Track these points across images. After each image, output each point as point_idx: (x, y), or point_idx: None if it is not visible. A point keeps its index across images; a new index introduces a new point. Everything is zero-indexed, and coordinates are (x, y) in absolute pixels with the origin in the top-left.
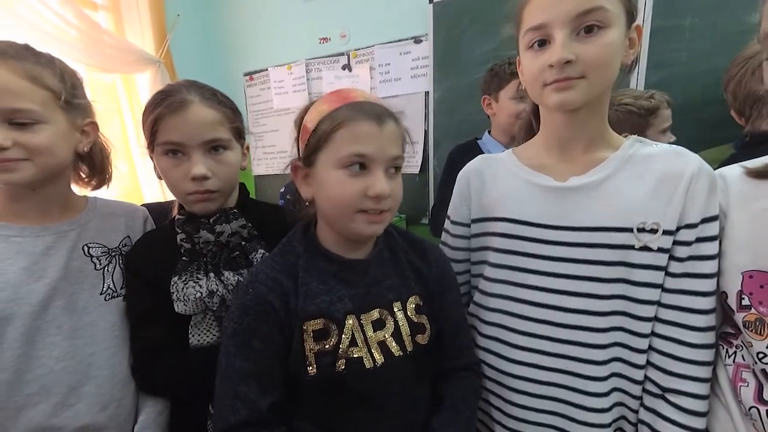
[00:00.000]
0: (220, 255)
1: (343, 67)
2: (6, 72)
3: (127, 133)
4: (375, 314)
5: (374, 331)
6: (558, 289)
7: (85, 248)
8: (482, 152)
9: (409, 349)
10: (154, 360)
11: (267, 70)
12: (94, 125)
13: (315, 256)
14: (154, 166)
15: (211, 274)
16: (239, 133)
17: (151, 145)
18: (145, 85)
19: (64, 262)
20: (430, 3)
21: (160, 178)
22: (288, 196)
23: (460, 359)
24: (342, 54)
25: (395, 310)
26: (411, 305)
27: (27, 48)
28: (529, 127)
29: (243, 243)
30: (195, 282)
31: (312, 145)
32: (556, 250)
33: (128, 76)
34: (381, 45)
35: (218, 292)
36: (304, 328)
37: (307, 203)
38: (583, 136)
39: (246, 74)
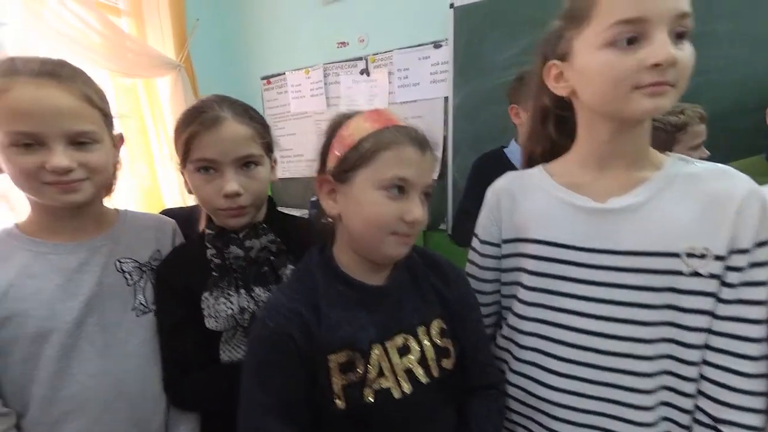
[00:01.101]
0: (250, 270)
1: (362, 72)
2: (65, 94)
3: (149, 135)
4: (399, 340)
5: (400, 357)
6: (600, 315)
7: (117, 264)
8: (509, 161)
9: (436, 374)
10: (184, 374)
11: (284, 74)
12: (122, 137)
13: (334, 281)
14: (185, 181)
15: (242, 291)
16: (269, 148)
17: (184, 161)
18: (166, 89)
19: (98, 278)
20: (450, 7)
21: (190, 192)
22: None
23: (483, 378)
24: (360, 58)
25: (420, 334)
26: (435, 329)
27: (70, 66)
28: (547, 142)
29: (272, 258)
30: (226, 298)
31: (350, 161)
32: (595, 274)
33: (149, 80)
34: (400, 50)
35: (249, 309)
36: (330, 361)
37: (329, 219)
38: (627, 153)
39: (263, 78)
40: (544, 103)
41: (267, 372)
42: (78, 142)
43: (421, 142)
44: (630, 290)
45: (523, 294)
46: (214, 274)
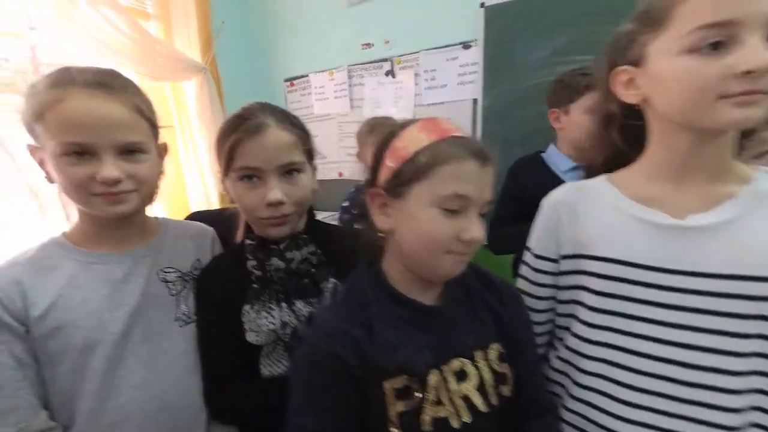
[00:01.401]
0: (290, 283)
1: (387, 73)
2: (117, 105)
3: (175, 138)
4: (456, 364)
5: (457, 383)
6: (678, 342)
7: (160, 273)
8: (547, 167)
9: (495, 402)
10: (224, 387)
11: (308, 76)
12: (166, 147)
13: (385, 299)
14: (226, 190)
15: (283, 304)
16: (310, 155)
17: (227, 170)
18: (192, 91)
19: (142, 288)
20: (481, 7)
21: (232, 202)
22: (353, 211)
23: (538, 403)
24: (385, 60)
25: (477, 359)
26: (493, 353)
27: (122, 76)
28: (610, 151)
29: (312, 270)
30: (268, 312)
31: (405, 175)
32: (672, 297)
33: (176, 83)
34: (426, 51)
35: (291, 323)
36: (385, 387)
37: (379, 234)
38: (709, 166)
39: (287, 80)
40: (610, 110)
41: (316, 395)
42: (127, 152)
43: (481, 154)
44: (714, 316)
45: (585, 315)
46: (254, 286)
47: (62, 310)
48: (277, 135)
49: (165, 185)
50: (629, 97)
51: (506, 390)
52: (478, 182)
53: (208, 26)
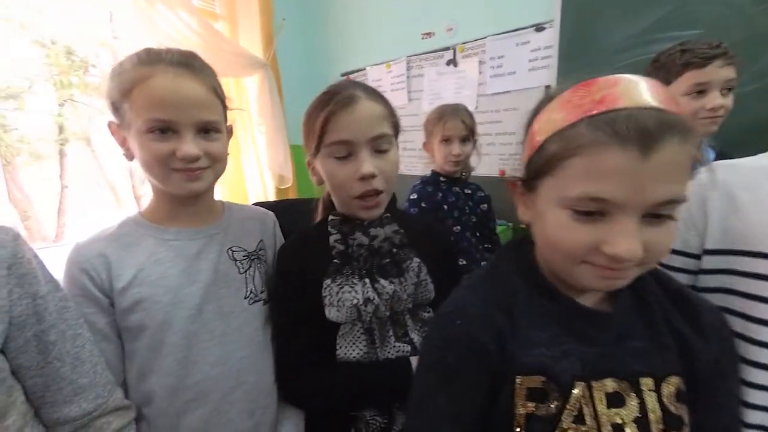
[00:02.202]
0: (372, 261)
1: (448, 63)
2: (198, 85)
3: (237, 132)
4: (611, 386)
5: (608, 407)
6: None
7: (230, 252)
8: None
9: None
10: (299, 370)
11: (365, 69)
12: (231, 129)
13: (535, 292)
14: (313, 172)
15: (366, 280)
16: (396, 130)
17: (317, 148)
18: (253, 87)
19: (214, 265)
20: None
21: (320, 183)
22: (423, 204)
23: None
24: (447, 48)
25: (643, 388)
26: (669, 388)
27: (200, 59)
28: None
29: (394, 250)
30: (351, 287)
31: (535, 166)
32: None
33: (239, 79)
34: (494, 36)
35: (373, 301)
36: (518, 382)
37: (523, 226)
38: None
39: (343, 74)
40: None
41: (449, 374)
42: (204, 130)
43: (648, 134)
44: None
45: (742, 326)
46: (335, 261)
47: (143, 284)
48: (368, 106)
49: (225, 177)
50: None
51: None
52: (632, 180)
53: (270, 23)
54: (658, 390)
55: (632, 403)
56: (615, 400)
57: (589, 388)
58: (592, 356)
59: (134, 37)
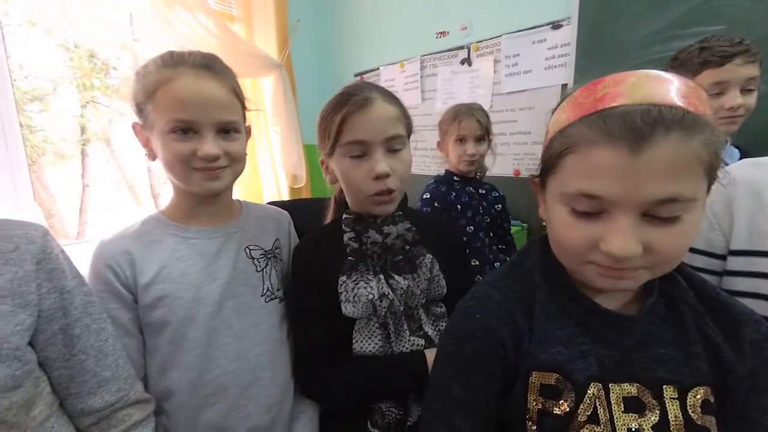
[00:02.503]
0: (385, 258)
1: (462, 62)
2: (219, 86)
3: (252, 132)
4: (630, 389)
5: (625, 411)
6: None
7: (247, 250)
8: None
9: None
10: (315, 363)
11: (378, 69)
12: (249, 129)
13: (556, 291)
14: (327, 171)
15: (381, 276)
16: (409, 131)
17: (332, 148)
18: (268, 87)
19: (232, 263)
20: None
21: (333, 182)
22: (436, 204)
23: None
24: (461, 48)
25: (666, 396)
26: (696, 398)
27: (221, 61)
28: None
29: (406, 247)
30: (366, 283)
31: (544, 163)
32: None
33: (254, 79)
34: (509, 35)
35: (388, 296)
36: (532, 378)
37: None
38: None
39: (356, 75)
40: None
41: (467, 365)
42: (224, 131)
43: (633, 133)
44: None
45: None
46: (349, 258)
47: (165, 281)
48: (383, 108)
49: (241, 177)
50: None
51: None
52: (623, 178)
53: (285, 24)
54: (682, 399)
55: (653, 411)
56: (633, 405)
57: (606, 389)
58: (611, 359)
59: (153, 39)
